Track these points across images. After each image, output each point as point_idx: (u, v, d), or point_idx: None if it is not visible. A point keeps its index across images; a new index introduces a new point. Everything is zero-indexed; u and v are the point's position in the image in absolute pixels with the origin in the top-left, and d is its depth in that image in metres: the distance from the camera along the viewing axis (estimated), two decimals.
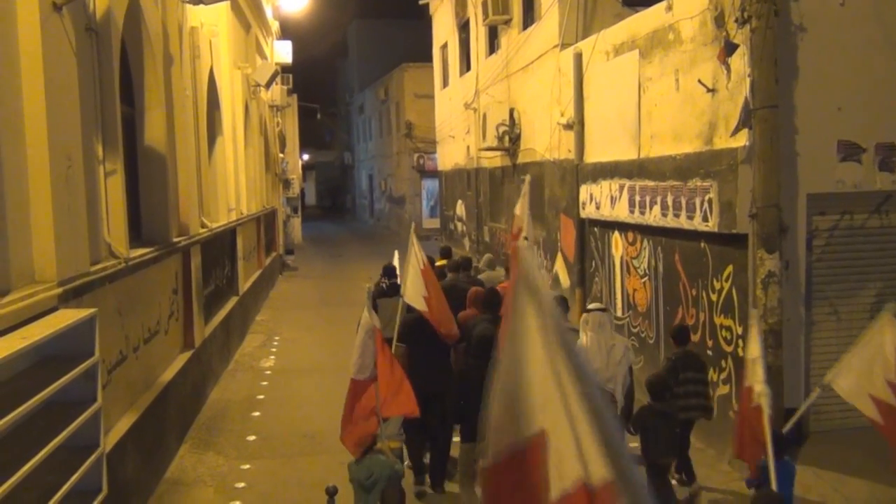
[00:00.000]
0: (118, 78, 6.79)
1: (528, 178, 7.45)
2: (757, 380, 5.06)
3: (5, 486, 3.63)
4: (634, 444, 6.29)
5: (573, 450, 2.17)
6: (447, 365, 7.05)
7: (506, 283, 7.04)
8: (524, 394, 2.31)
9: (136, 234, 7.71)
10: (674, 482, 6.66)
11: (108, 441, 5.54)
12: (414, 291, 6.90)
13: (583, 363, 2.23)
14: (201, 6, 8.96)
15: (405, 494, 6.16)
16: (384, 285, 9.45)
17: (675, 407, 6.37)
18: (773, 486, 4.85)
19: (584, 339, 6.58)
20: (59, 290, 5.04)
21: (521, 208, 7.86)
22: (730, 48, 7.19)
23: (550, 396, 2.21)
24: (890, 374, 4.74)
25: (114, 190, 6.62)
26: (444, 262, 10.67)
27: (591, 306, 7.06)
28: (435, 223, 29.44)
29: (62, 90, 5.29)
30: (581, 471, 2.17)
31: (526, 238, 7.27)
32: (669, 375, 6.54)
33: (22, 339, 4.15)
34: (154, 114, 8.02)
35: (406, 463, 6.68)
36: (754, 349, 5.16)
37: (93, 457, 4.70)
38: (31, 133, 4.94)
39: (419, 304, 6.86)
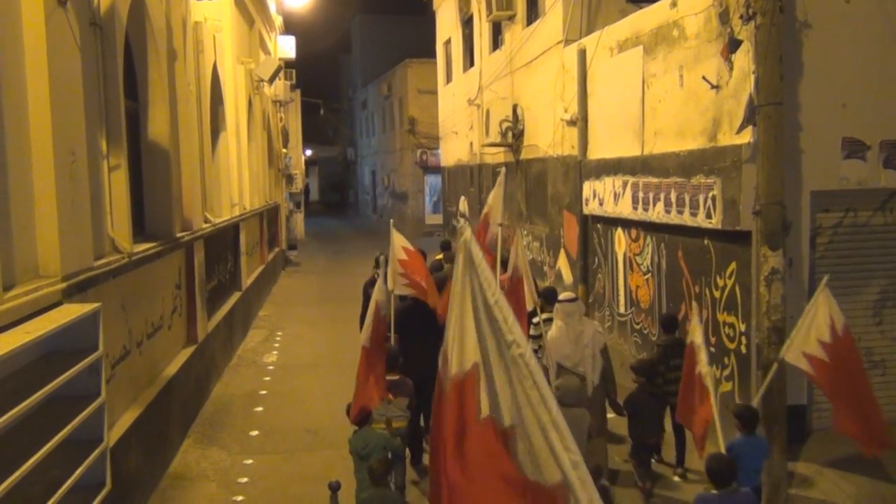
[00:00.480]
0: (122, 73, 6.79)
1: (503, 170, 7.70)
2: (702, 363, 5.75)
3: (10, 480, 3.64)
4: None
5: (490, 382, 2.98)
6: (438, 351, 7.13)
7: (504, 276, 7.23)
8: (462, 337, 3.01)
9: (140, 229, 7.71)
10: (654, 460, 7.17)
11: (112, 436, 5.55)
12: (395, 281, 7.39)
13: (500, 319, 2.89)
14: (205, 0, 8.95)
15: (405, 471, 6.55)
16: (376, 276, 9.55)
17: (665, 391, 6.89)
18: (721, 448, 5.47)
19: (553, 327, 6.95)
20: (63, 284, 5.05)
21: (494, 198, 8.16)
22: (733, 44, 7.17)
23: (480, 337, 2.92)
24: (822, 334, 5.56)
25: (117, 185, 6.62)
26: (440, 255, 11.37)
27: (561, 297, 7.31)
28: (438, 219, 29.45)
29: (66, 85, 5.29)
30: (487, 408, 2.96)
31: (501, 224, 7.71)
32: (658, 361, 7.04)
33: (26, 334, 4.17)
34: (158, 109, 8.02)
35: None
36: (697, 336, 5.85)
37: (97, 451, 4.71)
38: (36, 128, 4.94)
39: (405, 291, 7.32)
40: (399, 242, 7.60)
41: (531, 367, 2.74)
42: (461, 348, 3.07)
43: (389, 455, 5.73)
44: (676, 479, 7.02)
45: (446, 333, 3.21)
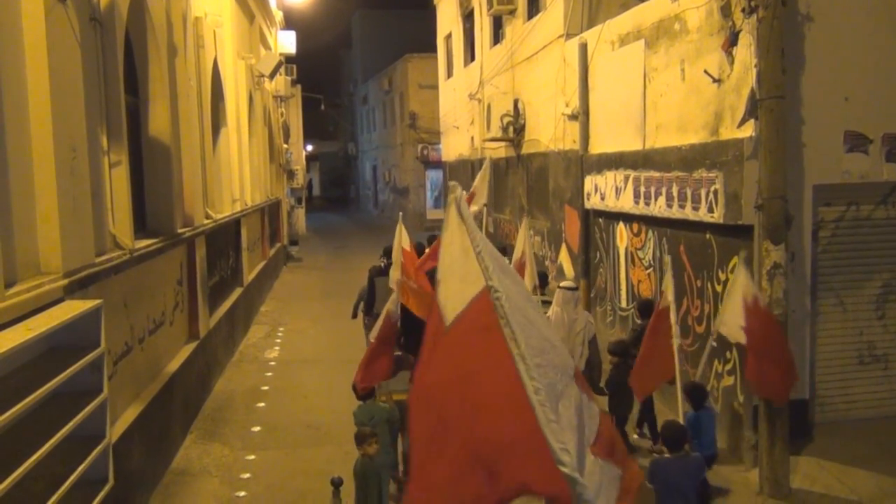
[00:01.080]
0: (122, 68, 6.77)
1: (488, 159, 8.38)
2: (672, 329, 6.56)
3: (13, 476, 3.64)
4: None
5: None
6: None
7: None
8: (469, 268, 3.25)
9: (141, 226, 7.71)
10: (636, 436, 7.92)
11: (115, 432, 5.56)
12: (395, 278, 8.01)
13: (482, 267, 3.20)
14: None
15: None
16: (382, 265, 9.85)
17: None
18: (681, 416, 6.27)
19: (551, 312, 7.60)
20: (65, 281, 5.05)
21: (479, 180, 10.21)
22: (732, 37, 7.16)
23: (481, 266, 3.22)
24: (745, 306, 6.35)
25: (118, 181, 6.62)
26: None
27: (562, 284, 7.96)
28: (439, 214, 29.41)
29: (67, 81, 5.28)
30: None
31: (486, 205, 9.50)
32: (632, 343, 7.68)
33: (28, 330, 4.17)
34: (158, 104, 8.00)
35: None
36: (670, 293, 6.61)
37: (99, 447, 4.72)
38: (36, 124, 4.94)
39: (400, 298, 7.49)
40: (401, 241, 8.14)
41: (505, 309, 3.12)
42: (461, 289, 3.31)
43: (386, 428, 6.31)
44: (655, 455, 7.15)
45: (438, 287, 3.39)
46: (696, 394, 6.66)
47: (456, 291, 3.33)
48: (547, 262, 13.12)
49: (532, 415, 3.05)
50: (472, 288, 3.26)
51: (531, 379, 3.07)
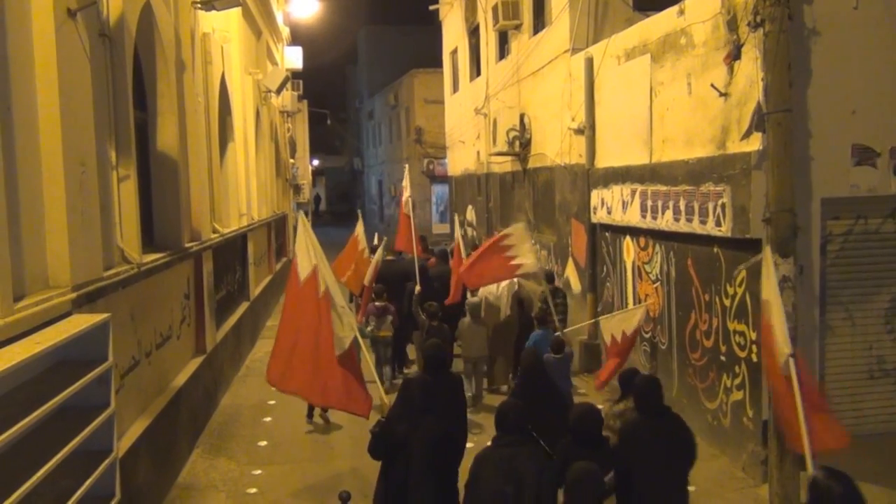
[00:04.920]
0: (131, 83, 6.81)
1: (407, 165, 12.20)
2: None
3: (20, 491, 3.63)
4: None
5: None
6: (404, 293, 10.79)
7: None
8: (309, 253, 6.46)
9: (149, 240, 7.73)
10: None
11: (121, 446, 5.54)
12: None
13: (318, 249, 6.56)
14: (214, 11, 8.98)
15: (393, 371, 10.57)
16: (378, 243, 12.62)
17: (553, 325, 8.64)
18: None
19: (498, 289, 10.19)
20: (73, 294, 5.06)
21: (406, 179, 12.85)
22: (735, 50, 7.17)
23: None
24: (624, 328, 8.40)
25: (127, 195, 6.64)
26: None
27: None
28: (445, 228, 29.41)
29: (76, 95, 5.31)
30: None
31: (410, 196, 12.39)
32: (543, 301, 9.70)
33: (36, 344, 4.17)
34: (166, 119, 8.04)
35: None
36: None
37: (106, 462, 4.70)
38: (46, 138, 4.96)
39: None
40: (358, 232, 11.26)
41: (327, 280, 6.33)
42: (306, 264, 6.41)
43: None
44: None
45: (294, 259, 6.56)
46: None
47: (304, 265, 6.37)
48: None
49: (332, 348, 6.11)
50: (310, 263, 6.35)
51: (339, 321, 6.14)
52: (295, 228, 25.74)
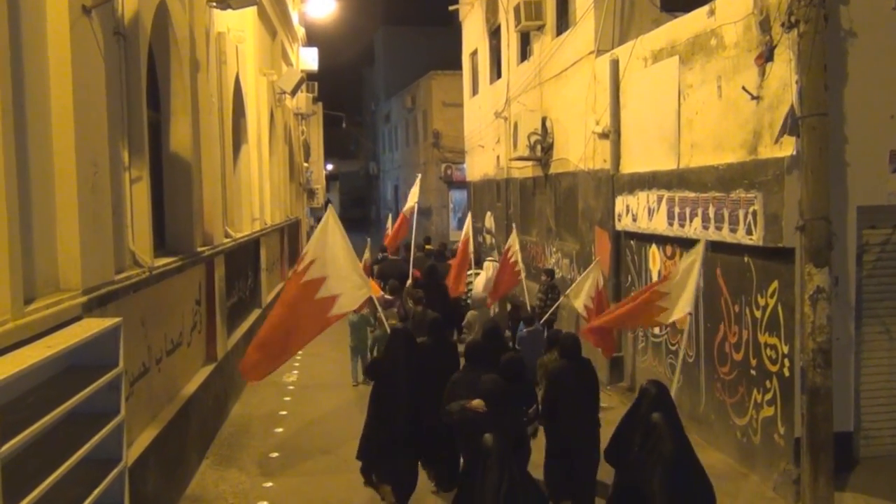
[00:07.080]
0: (145, 83, 6.67)
1: (420, 174, 13.59)
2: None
3: (29, 498, 3.50)
4: None
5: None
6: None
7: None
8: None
9: (160, 243, 7.57)
10: None
11: (130, 455, 5.37)
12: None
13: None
14: (229, 10, 8.82)
15: None
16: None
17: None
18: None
19: (482, 275, 12.77)
20: (84, 298, 4.93)
21: (413, 192, 14.05)
22: (768, 52, 6.92)
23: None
24: (591, 292, 9.62)
25: (139, 197, 6.48)
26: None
27: (488, 259, 13.38)
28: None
29: (90, 94, 5.17)
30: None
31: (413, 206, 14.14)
32: (543, 294, 11.83)
33: (47, 348, 4.06)
34: (180, 120, 7.88)
35: None
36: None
37: (115, 470, 4.55)
38: (59, 139, 4.84)
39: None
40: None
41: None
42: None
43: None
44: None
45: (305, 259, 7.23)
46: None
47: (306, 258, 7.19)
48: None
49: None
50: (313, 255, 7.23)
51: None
52: (308, 234, 25.72)
